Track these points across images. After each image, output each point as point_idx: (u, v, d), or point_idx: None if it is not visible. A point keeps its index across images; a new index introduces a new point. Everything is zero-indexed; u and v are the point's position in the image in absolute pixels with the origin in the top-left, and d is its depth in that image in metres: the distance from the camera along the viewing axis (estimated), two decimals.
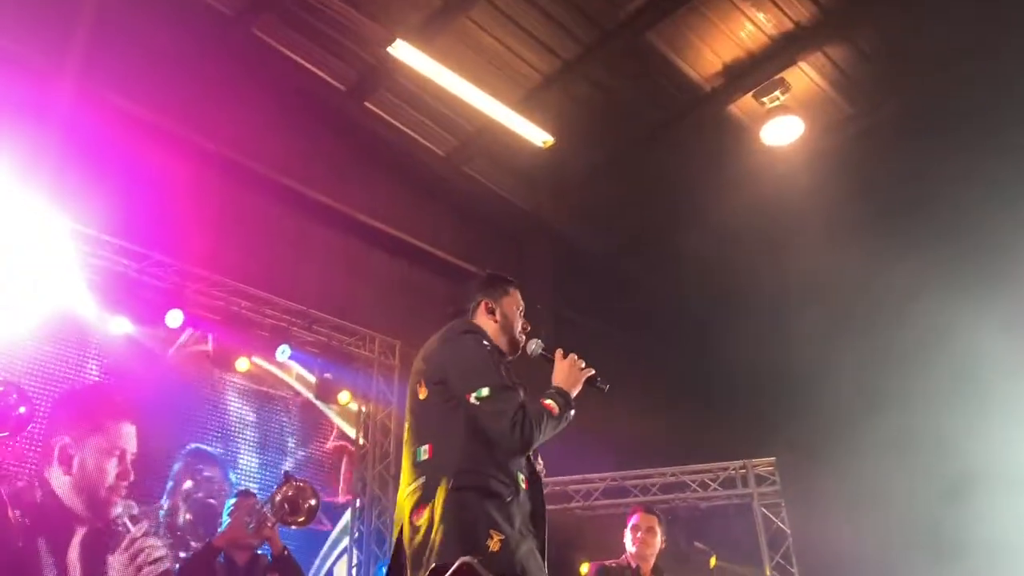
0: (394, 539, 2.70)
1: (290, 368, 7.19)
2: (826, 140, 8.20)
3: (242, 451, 6.66)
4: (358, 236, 8.31)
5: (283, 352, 6.78)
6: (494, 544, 2.43)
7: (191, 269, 6.46)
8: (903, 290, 7.03)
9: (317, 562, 6.89)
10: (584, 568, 6.35)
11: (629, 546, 4.85)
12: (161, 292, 6.26)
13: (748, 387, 7.50)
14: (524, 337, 3.02)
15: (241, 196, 7.35)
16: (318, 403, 7.34)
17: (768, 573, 6.78)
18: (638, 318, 9.36)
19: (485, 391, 2.60)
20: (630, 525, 4.90)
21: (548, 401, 2.68)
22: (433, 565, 2.42)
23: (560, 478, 7.57)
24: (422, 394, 2.75)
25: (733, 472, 7.30)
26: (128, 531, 5.44)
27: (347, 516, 7.28)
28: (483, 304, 3.01)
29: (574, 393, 2.78)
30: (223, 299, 6.69)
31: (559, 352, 2.91)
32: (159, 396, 6.19)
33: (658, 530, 4.86)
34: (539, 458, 2.85)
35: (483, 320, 2.99)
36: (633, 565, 4.80)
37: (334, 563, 7.05)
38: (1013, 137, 6.82)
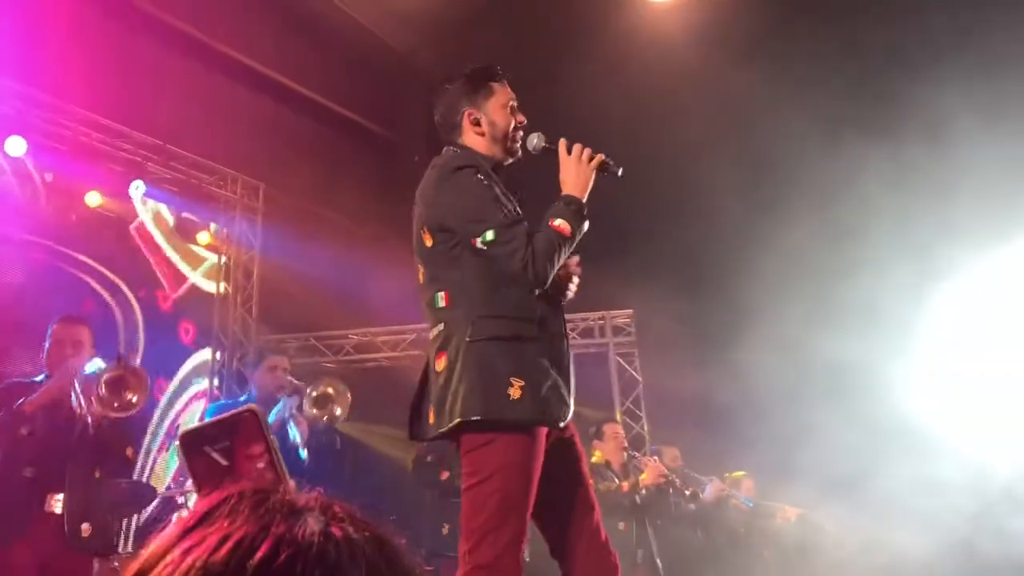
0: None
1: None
2: None
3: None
4: (222, 71, 7.87)
5: (137, 188, 6.48)
6: (515, 392, 2.44)
7: (35, 94, 6.01)
8: (780, 144, 7.19)
9: (159, 411, 6.82)
10: None
11: None
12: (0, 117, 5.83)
13: (610, 241, 7.66)
14: (521, 134, 2.79)
15: (94, 21, 6.80)
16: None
17: (619, 417, 7.15)
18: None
19: (490, 234, 2.51)
20: None
21: (558, 222, 2.56)
22: (457, 420, 2.46)
23: (426, 325, 7.66)
24: (428, 241, 2.64)
25: (592, 322, 7.57)
26: None
27: (195, 360, 7.17)
28: (466, 115, 2.76)
29: (585, 193, 2.64)
30: (71, 128, 6.28)
31: (563, 144, 2.71)
32: None
33: None
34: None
35: (470, 137, 2.76)
36: None
37: (183, 409, 7.00)
38: None
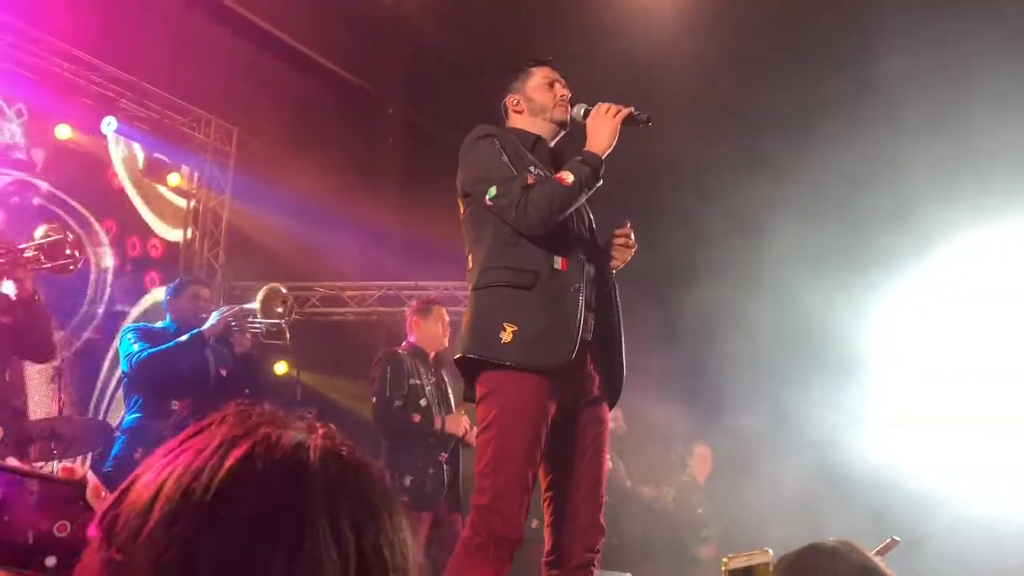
0: None
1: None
2: None
3: None
4: (201, 10, 7.68)
5: (108, 124, 6.31)
6: (506, 336, 2.64)
7: (6, 18, 5.81)
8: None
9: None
10: None
11: (424, 336, 5.02)
12: None
13: None
14: (567, 106, 2.98)
15: None
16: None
17: None
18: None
19: (492, 190, 2.72)
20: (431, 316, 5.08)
21: (563, 173, 2.72)
22: (456, 356, 2.79)
23: (394, 282, 7.65)
24: (461, 209, 2.90)
25: None
26: None
27: (149, 300, 7.02)
28: (507, 102, 3.04)
29: (607, 147, 2.78)
30: (42, 57, 6.09)
31: (595, 108, 2.86)
32: None
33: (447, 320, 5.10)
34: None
35: (512, 118, 3.04)
36: (424, 351, 5.02)
37: None
38: None
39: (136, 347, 4.66)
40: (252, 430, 0.73)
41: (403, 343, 5.11)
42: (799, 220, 6.75)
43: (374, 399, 4.87)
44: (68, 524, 0.84)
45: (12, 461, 0.87)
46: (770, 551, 1.66)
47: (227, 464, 0.70)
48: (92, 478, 0.86)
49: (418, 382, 4.84)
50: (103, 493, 0.85)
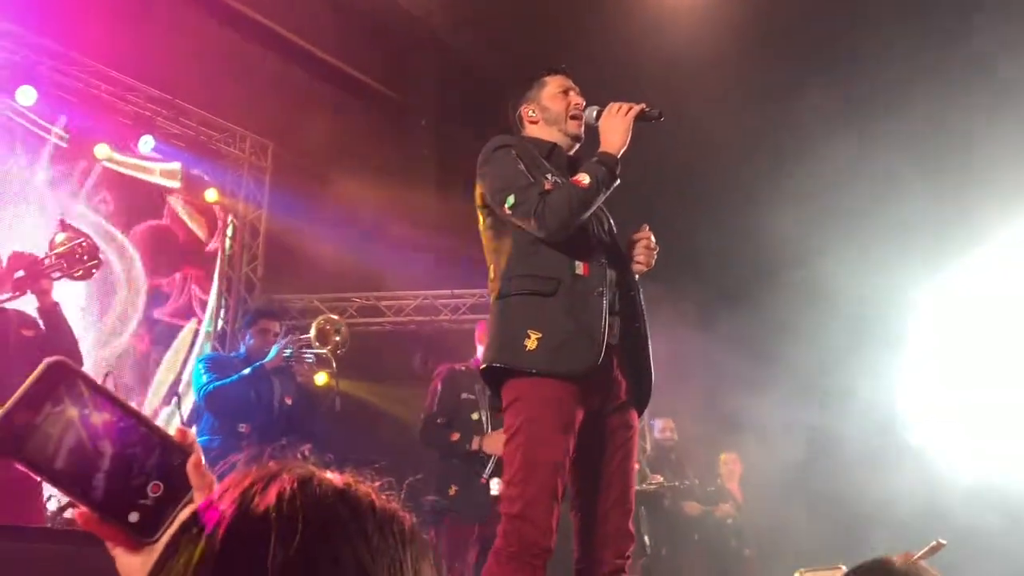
0: None
1: (152, 170, 6.85)
2: None
3: None
4: (234, 27, 7.77)
5: (146, 143, 6.43)
6: (531, 343, 2.63)
7: (46, 43, 5.94)
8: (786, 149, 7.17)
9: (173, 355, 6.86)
10: None
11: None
12: (10, 65, 5.76)
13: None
14: (581, 118, 2.95)
15: None
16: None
17: None
18: None
19: (511, 199, 2.70)
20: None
21: (579, 176, 2.72)
22: (482, 367, 2.78)
23: (430, 292, 7.69)
24: (480, 220, 2.90)
25: None
26: None
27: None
28: (522, 112, 3.01)
29: (621, 145, 2.77)
30: (82, 79, 6.22)
31: (607, 108, 2.84)
32: None
33: None
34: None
35: (528, 128, 3.01)
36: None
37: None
38: None
39: (205, 378, 4.86)
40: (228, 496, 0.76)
41: (472, 359, 5.05)
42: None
43: (423, 414, 4.95)
44: (162, 486, 0.83)
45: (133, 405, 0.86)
46: (843, 567, 1.63)
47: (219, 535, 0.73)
48: (199, 451, 0.86)
49: (472, 396, 4.85)
50: (203, 471, 0.85)
